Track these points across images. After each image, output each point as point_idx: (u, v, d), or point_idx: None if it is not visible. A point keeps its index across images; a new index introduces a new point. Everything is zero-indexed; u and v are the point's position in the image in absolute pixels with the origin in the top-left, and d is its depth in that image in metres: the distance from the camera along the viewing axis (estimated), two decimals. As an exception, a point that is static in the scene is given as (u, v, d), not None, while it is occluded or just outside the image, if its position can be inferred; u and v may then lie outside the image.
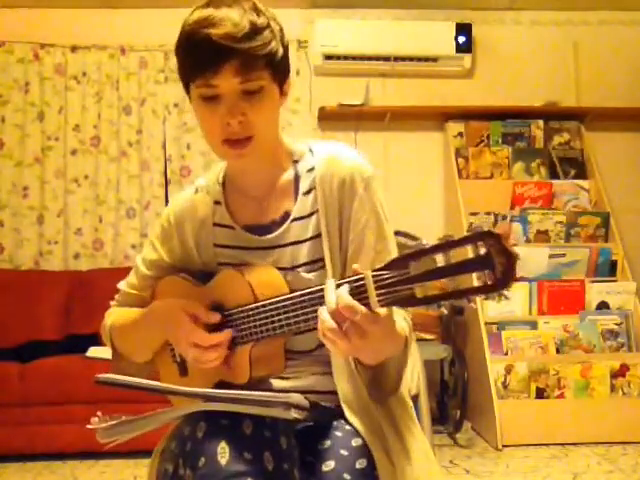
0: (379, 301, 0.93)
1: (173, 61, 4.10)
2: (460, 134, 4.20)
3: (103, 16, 4.16)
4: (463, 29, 4.12)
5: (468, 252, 0.84)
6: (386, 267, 0.92)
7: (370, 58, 4.12)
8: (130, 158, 4.10)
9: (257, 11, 1.12)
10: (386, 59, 4.13)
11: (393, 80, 4.25)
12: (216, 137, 1.15)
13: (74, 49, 4.10)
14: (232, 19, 1.08)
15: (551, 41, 4.33)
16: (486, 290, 0.83)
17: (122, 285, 1.37)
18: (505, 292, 0.83)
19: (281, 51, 1.15)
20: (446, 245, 0.86)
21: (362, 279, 0.95)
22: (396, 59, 4.13)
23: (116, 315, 1.35)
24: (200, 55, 1.09)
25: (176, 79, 4.47)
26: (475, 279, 0.84)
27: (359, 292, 0.94)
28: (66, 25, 4.13)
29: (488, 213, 3.90)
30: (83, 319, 3.70)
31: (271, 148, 1.22)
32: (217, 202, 1.28)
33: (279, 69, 1.15)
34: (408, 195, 4.07)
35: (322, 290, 1.00)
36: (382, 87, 4.25)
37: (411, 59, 4.14)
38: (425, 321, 3.41)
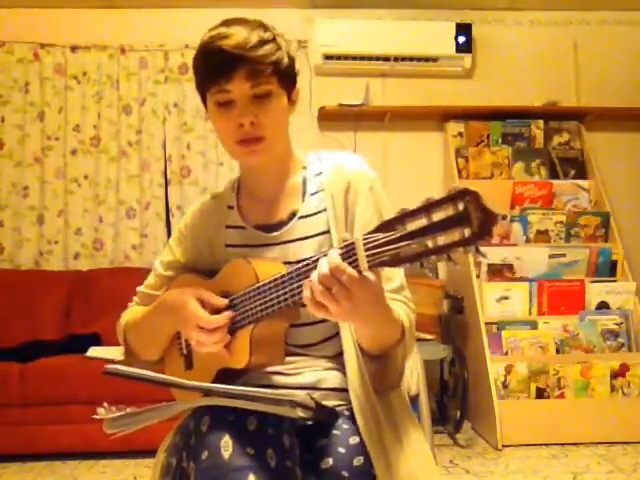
0: (368, 262, 0.96)
1: (173, 61, 4.13)
2: (460, 134, 4.20)
3: (103, 16, 4.16)
4: (463, 29, 4.12)
5: (449, 211, 0.87)
6: (374, 231, 0.96)
7: (370, 58, 4.12)
8: (130, 158, 4.10)
9: (264, 28, 1.24)
10: (386, 59, 4.13)
11: (393, 80, 4.25)
12: (230, 139, 1.25)
13: (74, 49, 4.11)
14: (242, 33, 1.20)
15: (551, 41, 4.34)
16: (463, 243, 0.86)
17: (140, 287, 1.44)
18: (482, 249, 0.87)
19: (286, 61, 1.25)
20: (428, 206, 0.89)
21: (352, 244, 0.98)
22: (396, 59, 4.13)
23: (131, 313, 1.41)
24: (214, 64, 1.21)
25: (176, 79, 4.45)
26: (455, 236, 0.87)
27: (350, 256, 0.98)
28: (66, 25, 4.13)
29: (488, 213, 3.90)
30: (83, 319, 3.70)
31: (281, 153, 1.31)
32: (230, 207, 1.37)
33: (286, 77, 1.26)
34: (408, 195, 4.05)
35: (315, 260, 1.04)
36: (382, 87, 4.25)
37: (411, 59, 4.14)
38: (425, 321, 3.41)
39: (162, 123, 4.14)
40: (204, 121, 4.12)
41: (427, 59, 4.15)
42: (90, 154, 4.10)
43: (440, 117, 4.23)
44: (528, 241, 3.86)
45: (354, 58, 4.12)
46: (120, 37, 4.13)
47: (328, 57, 4.09)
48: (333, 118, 4.15)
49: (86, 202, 4.08)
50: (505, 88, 4.27)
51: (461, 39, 4.11)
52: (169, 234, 4.08)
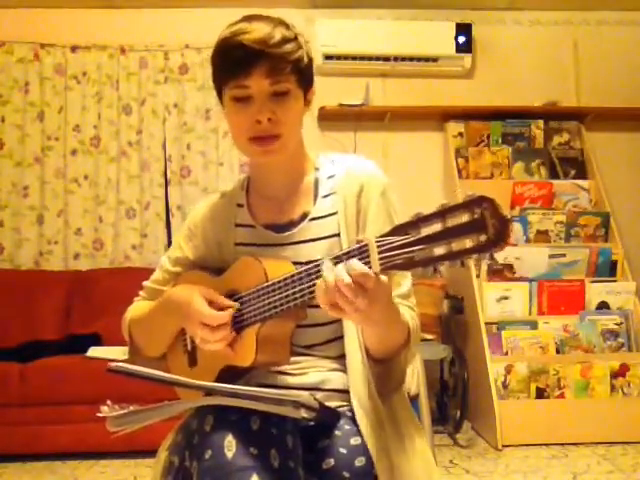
0: (380, 265, 0.96)
1: (173, 61, 4.13)
2: (460, 134, 4.20)
3: (103, 16, 4.16)
4: (463, 29, 4.12)
5: (465, 218, 0.88)
6: (388, 234, 0.96)
7: (370, 58, 4.13)
8: (130, 158, 4.10)
9: (286, 26, 1.23)
10: (386, 59, 4.14)
11: (393, 80, 4.25)
12: (244, 135, 1.23)
13: (74, 49, 4.11)
14: (264, 29, 1.19)
15: (551, 41, 4.34)
16: (478, 249, 0.86)
17: (147, 282, 1.43)
18: (495, 255, 0.87)
19: (306, 60, 1.25)
20: (443, 212, 0.90)
21: (366, 245, 0.98)
22: (396, 59, 4.14)
23: (136, 308, 1.41)
24: (234, 58, 1.19)
25: (176, 79, 4.45)
26: (470, 242, 0.88)
27: (362, 258, 0.98)
28: (66, 25, 4.13)
29: (488, 213, 3.90)
30: (83, 319, 3.70)
31: (295, 152, 1.30)
32: (240, 205, 1.36)
33: (304, 76, 1.26)
34: (408, 195, 4.03)
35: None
36: (382, 87, 4.25)
37: (411, 59, 4.14)
38: (425, 321, 3.41)
39: (162, 123, 4.13)
40: (204, 121, 4.12)
41: (427, 59, 4.15)
42: (90, 154, 4.09)
43: (440, 117, 4.23)
44: (528, 241, 3.86)
45: (354, 58, 4.12)
46: (120, 37, 4.13)
47: (328, 57, 4.09)
48: (333, 118, 4.14)
49: (86, 202, 4.08)
50: (505, 88, 4.26)
51: (461, 39, 4.12)
52: (169, 234, 4.08)
